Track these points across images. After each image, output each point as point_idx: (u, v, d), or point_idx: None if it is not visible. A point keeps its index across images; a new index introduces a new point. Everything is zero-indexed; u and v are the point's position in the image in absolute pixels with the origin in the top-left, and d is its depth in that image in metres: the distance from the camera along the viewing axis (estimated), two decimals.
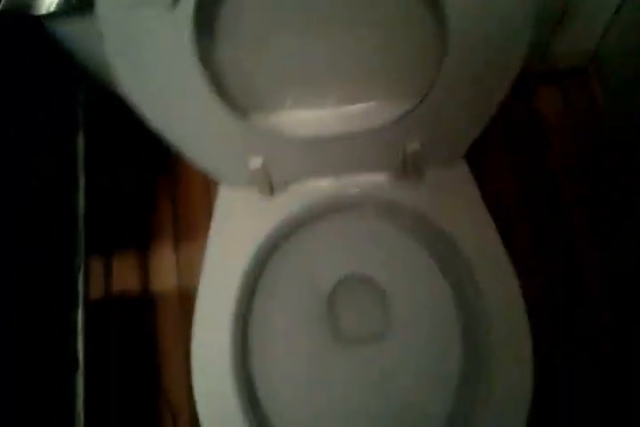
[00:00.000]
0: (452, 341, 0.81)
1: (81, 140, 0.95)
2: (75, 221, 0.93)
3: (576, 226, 1.13)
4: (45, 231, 0.83)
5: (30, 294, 0.79)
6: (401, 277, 0.87)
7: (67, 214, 0.92)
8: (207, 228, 1.04)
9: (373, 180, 0.82)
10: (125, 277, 1.09)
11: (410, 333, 0.85)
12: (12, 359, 0.73)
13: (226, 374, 0.73)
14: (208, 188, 1.15)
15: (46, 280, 0.85)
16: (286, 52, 0.70)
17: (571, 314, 1.08)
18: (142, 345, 1.07)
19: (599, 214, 1.14)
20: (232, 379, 0.72)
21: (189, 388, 0.72)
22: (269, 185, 0.80)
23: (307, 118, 0.77)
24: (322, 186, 0.82)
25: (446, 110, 0.72)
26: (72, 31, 0.65)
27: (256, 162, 0.76)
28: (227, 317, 0.75)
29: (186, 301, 1.08)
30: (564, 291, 1.09)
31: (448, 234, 0.78)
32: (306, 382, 0.84)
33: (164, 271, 1.10)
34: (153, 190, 1.16)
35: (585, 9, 1.05)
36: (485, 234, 0.77)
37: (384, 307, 0.87)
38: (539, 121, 1.23)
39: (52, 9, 0.58)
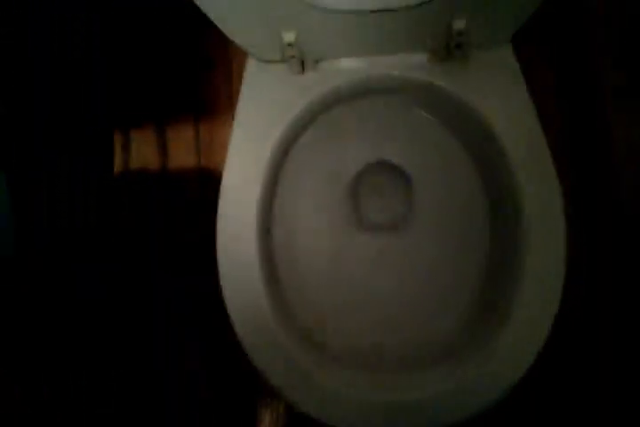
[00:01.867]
0: (479, 230, 0.80)
1: None
2: None
3: (611, 118, 1.08)
4: None
5: None
6: (429, 164, 0.85)
7: None
8: (227, 103, 1.01)
9: (412, 61, 0.76)
10: (144, 153, 1.07)
11: (435, 220, 0.85)
12: None
13: (250, 254, 0.72)
14: (230, 63, 1.10)
15: None
16: None
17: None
18: (160, 221, 1.07)
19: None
20: (256, 257, 0.72)
21: None
22: (301, 62, 0.75)
23: None
24: (356, 66, 0.77)
25: None
26: None
27: (290, 36, 0.71)
28: (253, 195, 0.74)
29: (205, 177, 1.06)
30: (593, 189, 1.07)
31: (486, 121, 0.74)
32: (325, 266, 0.84)
33: (183, 147, 1.07)
34: (173, 63, 1.11)
35: None
36: (527, 124, 0.73)
37: (409, 194, 0.86)
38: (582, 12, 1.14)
39: None
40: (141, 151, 1.07)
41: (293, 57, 0.73)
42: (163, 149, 1.07)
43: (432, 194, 0.85)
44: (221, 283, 0.72)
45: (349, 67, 0.77)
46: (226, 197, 0.73)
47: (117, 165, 1.06)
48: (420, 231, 0.85)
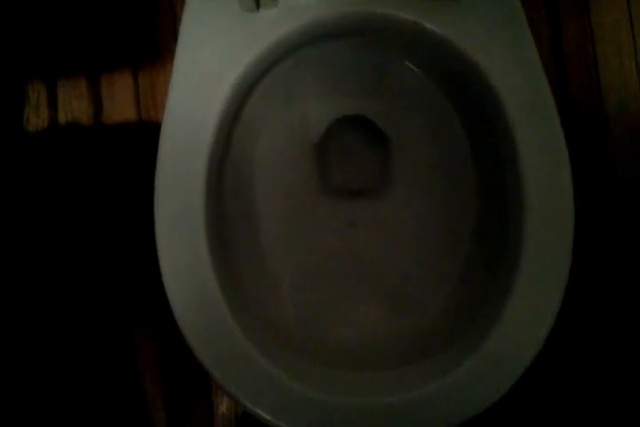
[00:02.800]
0: (470, 199, 0.69)
1: None
2: None
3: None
4: None
5: None
6: (411, 122, 0.72)
7: None
8: (172, 47, 0.86)
9: None
10: (74, 107, 0.91)
11: (417, 187, 0.73)
12: None
13: (197, 230, 0.59)
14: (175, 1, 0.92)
15: None
16: None
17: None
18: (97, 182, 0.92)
19: None
20: (203, 234, 0.59)
21: None
22: None
23: None
24: (324, 1, 0.62)
25: None
26: None
27: None
28: (199, 161, 0.59)
29: (147, 134, 0.91)
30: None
31: (481, 72, 0.61)
32: (287, 242, 0.72)
33: (121, 101, 0.91)
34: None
35: None
36: (531, 77, 0.60)
37: (386, 156, 0.73)
38: None
39: None
40: (71, 105, 0.90)
41: None
42: (96, 102, 0.91)
43: (414, 156, 0.73)
44: (160, 264, 0.58)
45: (315, 2, 0.62)
46: (164, 163, 0.59)
47: (43, 122, 0.90)
48: (400, 199, 0.74)
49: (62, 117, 0.90)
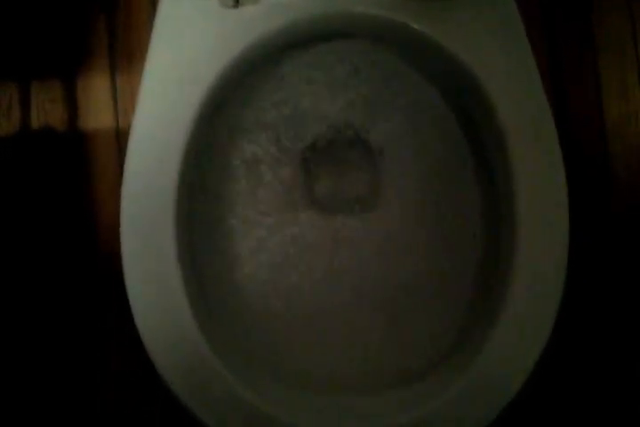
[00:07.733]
0: (467, 219, 0.66)
1: None
2: None
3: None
4: None
5: None
6: (405, 133, 0.68)
7: None
8: None
9: None
10: (47, 110, 0.86)
11: (410, 203, 0.69)
12: None
13: (166, 246, 0.55)
14: None
15: None
16: None
17: None
18: (71, 190, 0.87)
19: None
20: (173, 250, 0.55)
21: None
22: None
23: None
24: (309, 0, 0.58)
25: None
26: None
27: None
28: (170, 173, 0.56)
29: (124, 142, 0.86)
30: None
31: (474, 78, 0.58)
32: (265, 260, 0.68)
33: (98, 105, 0.87)
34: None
35: None
36: (529, 88, 0.57)
37: (376, 169, 0.70)
38: None
39: None
40: (45, 109, 0.86)
41: None
42: (71, 105, 0.86)
43: (407, 171, 0.69)
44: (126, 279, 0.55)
45: (300, 1, 0.58)
46: (133, 175, 0.56)
47: (14, 126, 0.85)
48: (390, 215, 0.69)
49: (35, 122, 0.86)
